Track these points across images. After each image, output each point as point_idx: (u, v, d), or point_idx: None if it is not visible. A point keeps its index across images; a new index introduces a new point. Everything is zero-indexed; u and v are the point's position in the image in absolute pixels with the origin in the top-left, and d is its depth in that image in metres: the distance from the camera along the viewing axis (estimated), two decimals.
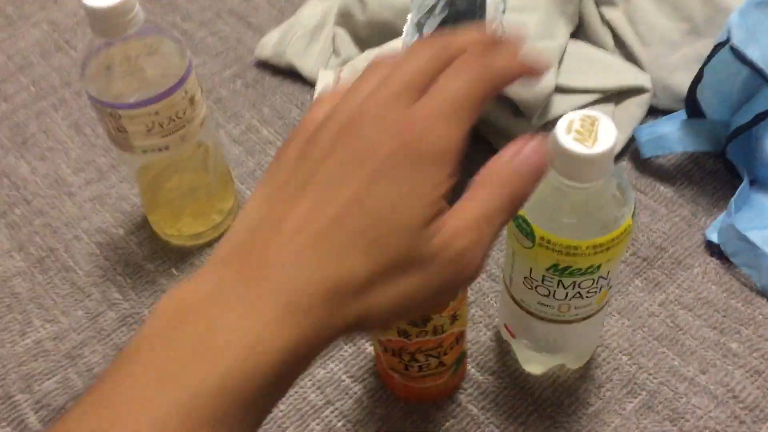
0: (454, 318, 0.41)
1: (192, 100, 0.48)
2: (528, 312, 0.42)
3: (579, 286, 0.38)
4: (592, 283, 0.38)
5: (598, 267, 0.37)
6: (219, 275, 0.25)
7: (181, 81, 0.47)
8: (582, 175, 0.34)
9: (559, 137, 0.33)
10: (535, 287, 0.40)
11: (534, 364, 0.49)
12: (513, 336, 0.47)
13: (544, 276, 0.39)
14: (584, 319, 0.42)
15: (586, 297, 0.39)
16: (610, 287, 0.40)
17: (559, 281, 0.38)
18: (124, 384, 0.23)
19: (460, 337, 0.44)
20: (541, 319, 0.42)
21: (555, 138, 0.34)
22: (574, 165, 0.34)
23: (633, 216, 0.37)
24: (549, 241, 0.37)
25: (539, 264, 0.38)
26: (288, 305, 0.24)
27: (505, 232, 0.40)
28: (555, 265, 0.38)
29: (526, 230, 0.37)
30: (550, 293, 0.40)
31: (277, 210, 0.26)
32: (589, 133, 0.34)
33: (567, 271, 0.38)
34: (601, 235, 0.36)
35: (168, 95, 0.46)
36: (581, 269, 0.37)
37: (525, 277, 0.40)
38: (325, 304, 0.24)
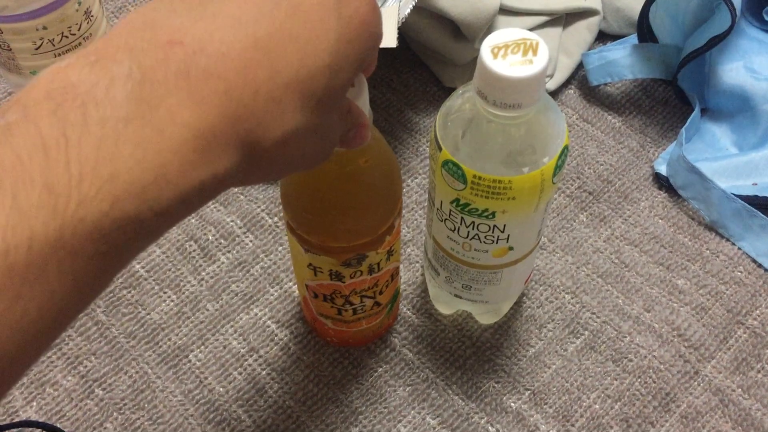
0: (390, 253, 0.38)
1: (88, 14, 0.42)
2: (439, 246, 0.40)
3: (477, 228, 0.36)
4: (488, 230, 0.36)
5: (493, 214, 0.35)
6: (131, 66, 0.19)
7: None
8: (502, 98, 0.32)
9: (484, 54, 0.31)
10: (444, 220, 0.38)
11: (441, 303, 0.46)
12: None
13: (450, 210, 0.37)
14: (487, 269, 0.39)
15: (484, 242, 0.37)
16: (512, 249, 0.38)
17: (462, 218, 0.36)
18: None
19: (395, 273, 0.40)
20: (448, 254, 0.40)
21: (480, 56, 0.31)
22: (495, 86, 0.31)
23: (555, 176, 0.34)
24: (454, 165, 0.34)
25: (446, 196, 0.36)
26: (211, 133, 0.20)
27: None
28: (457, 200, 0.36)
29: (436, 144, 0.35)
30: (455, 228, 0.37)
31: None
32: (518, 53, 0.31)
33: (466, 209, 0.36)
34: (498, 173, 0.34)
35: (57, 7, 0.40)
36: (478, 210, 0.35)
37: (437, 209, 0.38)
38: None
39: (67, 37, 0.41)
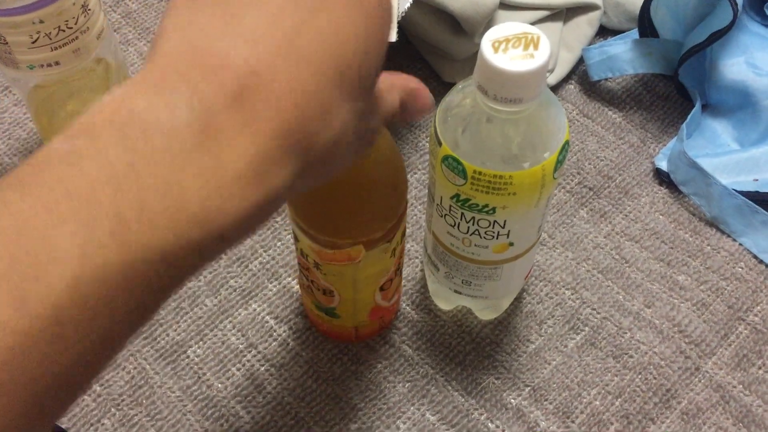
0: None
1: (85, 7, 0.42)
2: (439, 241, 0.40)
3: (477, 224, 0.36)
4: (489, 225, 0.36)
5: (494, 210, 0.35)
6: (191, 95, 0.20)
7: None
8: (503, 93, 0.31)
9: (484, 49, 0.31)
10: (444, 216, 0.38)
11: (440, 298, 0.46)
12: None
13: (450, 206, 0.36)
14: (487, 264, 0.39)
15: (484, 238, 0.37)
16: (512, 244, 0.38)
17: (462, 214, 0.36)
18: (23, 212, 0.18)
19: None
20: (448, 250, 0.39)
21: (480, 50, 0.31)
22: (496, 81, 0.31)
23: (555, 171, 0.34)
24: (454, 160, 0.34)
25: (446, 192, 0.36)
26: (266, 152, 0.20)
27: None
28: (457, 195, 0.35)
29: (436, 139, 0.35)
30: (455, 224, 0.37)
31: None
32: (518, 47, 0.31)
33: (466, 204, 0.35)
34: (498, 168, 0.33)
35: (53, 0, 0.40)
36: (478, 205, 0.35)
37: (437, 204, 0.38)
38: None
39: (63, 30, 0.41)
